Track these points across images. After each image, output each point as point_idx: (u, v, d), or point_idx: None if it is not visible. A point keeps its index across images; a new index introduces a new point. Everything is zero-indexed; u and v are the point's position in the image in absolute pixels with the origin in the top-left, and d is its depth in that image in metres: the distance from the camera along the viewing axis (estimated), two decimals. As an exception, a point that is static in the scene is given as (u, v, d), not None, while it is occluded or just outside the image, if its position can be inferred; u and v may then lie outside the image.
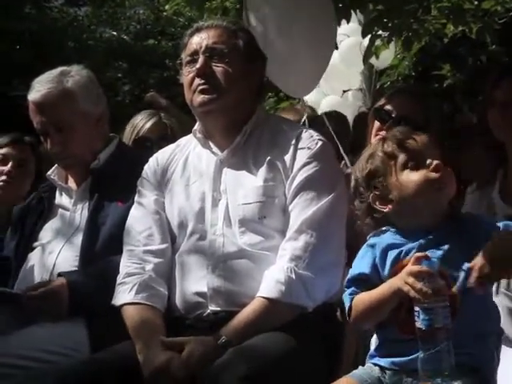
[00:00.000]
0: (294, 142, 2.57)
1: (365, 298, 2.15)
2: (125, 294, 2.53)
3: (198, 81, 2.60)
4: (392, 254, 2.16)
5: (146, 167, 2.78)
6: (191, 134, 2.76)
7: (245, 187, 2.54)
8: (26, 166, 3.81)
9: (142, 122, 4.00)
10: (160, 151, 2.84)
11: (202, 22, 2.73)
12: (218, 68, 2.60)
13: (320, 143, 2.58)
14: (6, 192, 3.74)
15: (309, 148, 2.55)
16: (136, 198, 2.74)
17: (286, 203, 2.50)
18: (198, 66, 2.61)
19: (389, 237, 2.21)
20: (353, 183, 2.30)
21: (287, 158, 2.54)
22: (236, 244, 2.47)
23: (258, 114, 2.67)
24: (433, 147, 2.21)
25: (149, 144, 3.74)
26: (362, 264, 2.21)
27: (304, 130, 2.64)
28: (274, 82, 4.90)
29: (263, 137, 2.63)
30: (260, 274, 2.42)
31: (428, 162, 2.15)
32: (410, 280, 2.00)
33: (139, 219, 2.67)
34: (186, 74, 2.65)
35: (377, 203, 2.21)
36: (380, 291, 2.11)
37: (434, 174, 2.14)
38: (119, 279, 2.58)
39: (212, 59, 2.61)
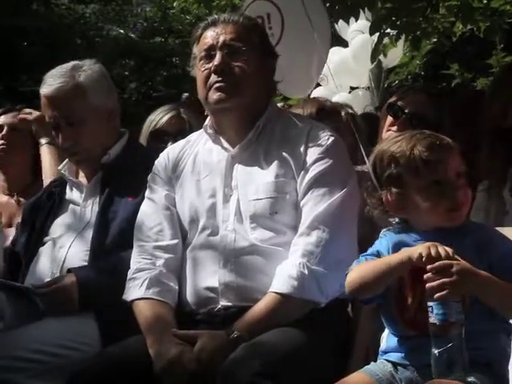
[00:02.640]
0: (305, 137, 2.57)
1: (368, 263, 2.15)
2: (136, 290, 2.53)
3: (214, 77, 2.58)
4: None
5: (156, 163, 2.77)
6: (202, 130, 2.76)
7: (256, 183, 2.54)
8: (21, 130, 3.79)
9: (159, 116, 3.99)
10: (170, 147, 2.84)
11: (217, 16, 2.70)
12: (236, 65, 2.58)
13: (332, 139, 2.57)
14: (5, 156, 3.77)
15: (320, 144, 2.55)
16: (147, 193, 2.73)
17: (297, 199, 2.50)
18: (215, 62, 2.58)
19: (400, 233, 2.20)
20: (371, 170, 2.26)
21: (299, 153, 2.54)
22: (247, 239, 2.47)
23: (270, 109, 2.67)
24: (457, 158, 2.17)
25: (166, 138, 3.73)
26: (380, 244, 2.21)
27: (315, 126, 2.64)
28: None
29: (275, 132, 2.63)
30: (271, 270, 2.42)
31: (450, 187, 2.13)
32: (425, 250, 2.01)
33: (150, 215, 2.67)
34: (202, 70, 2.63)
35: (390, 207, 2.20)
36: (386, 259, 2.11)
37: (453, 214, 2.13)
38: (130, 274, 2.58)
39: (229, 56, 2.59)
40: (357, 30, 6.66)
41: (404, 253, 2.07)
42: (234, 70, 2.58)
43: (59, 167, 3.11)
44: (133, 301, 2.52)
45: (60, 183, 3.11)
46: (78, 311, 2.69)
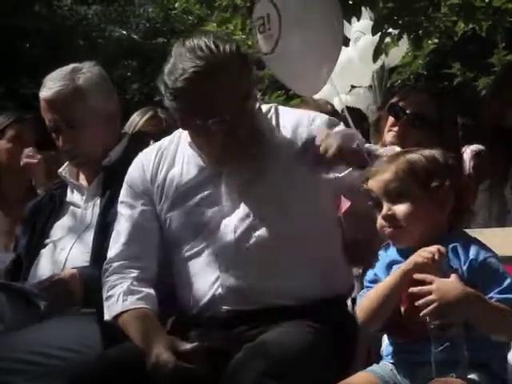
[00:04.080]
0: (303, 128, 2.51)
1: (371, 292, 2.14)
2: (113, 306, 2.49)
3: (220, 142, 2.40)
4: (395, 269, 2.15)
5: (129, 174, 2.64)
6: (174, 133, 2.63)
7: (260, 178, 2.47)
8: (23, 139, 3.84)
9: (138, 118, 4.03)
10: (141, 155, 2.67)
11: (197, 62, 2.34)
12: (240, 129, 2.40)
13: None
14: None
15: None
16: (119, 207, 2.63)
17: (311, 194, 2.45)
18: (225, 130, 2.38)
19: (389, 251, 2.21)
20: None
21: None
22: (249, 243, 2.43)
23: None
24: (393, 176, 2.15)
25: (147, 138, 3.74)
26: (376, 267, 2.21)
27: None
28: (282, 81, 4.91)
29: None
30: (273, 272, 2.40)
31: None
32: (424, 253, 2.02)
33: (120, 233, 2.59)
34: (196, 126, 2.41)
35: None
36: (385, 284, 2.10)
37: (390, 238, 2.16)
38: (104, 294, 2.54)
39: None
40: (358, 31, 6.66)
41: (396, 273, 2.08)
42: (240, 133, 2.39)
43: (59, 170, 3.11)
44: (115, 317, 2.48)
45: (61, 185, 3.10)
46: (82, 307, 2.70)
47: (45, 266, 2.89)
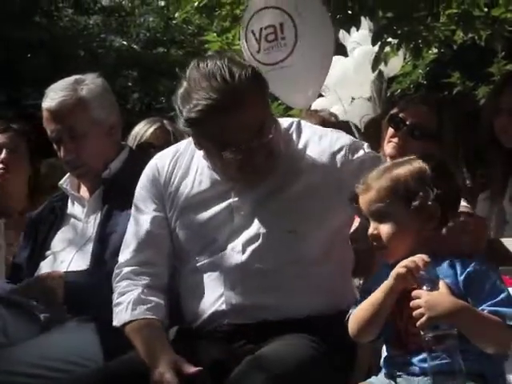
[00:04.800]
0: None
1: (361, 306, 2.14)
2: (122, 314, 2.48)
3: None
4: None
5: (143, 177, 2.61)
6: (190, 139, 2.56)
7: (271, 199, 2.45)
8: (19, 152, 3.79)
9: (144, 128, 4.02)
10: (157, 158, 2.63)
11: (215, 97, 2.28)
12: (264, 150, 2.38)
13: None
14: (5, 180, 3.76)
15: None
16: (132, 211, 2.61)
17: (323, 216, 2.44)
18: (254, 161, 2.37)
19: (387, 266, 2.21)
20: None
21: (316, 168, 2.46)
22: (256, 264, 2.41)
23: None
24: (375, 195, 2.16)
25: (152, 150, 3.76)
26: (374, 278, 2.22)
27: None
28: (275, 93, 4.89)
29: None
30: (280, 289, 2.39)
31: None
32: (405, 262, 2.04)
33: (132, 237, 2.58)
34: (223, 158, 2.36)
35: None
36: (373, 296, 2.10)
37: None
38: (114, 300, 2.53)
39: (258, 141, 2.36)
40: (354, 41, 6.68)
41: (382, 287, 2.08)
42: (255, 158, 2.37)
43: (60, 182, 3.11)
44: (122, 325, 2.48)
45: (61, 197, 3.11)
46: (62, 305, 2.71)
47: (45, 278, 2.90)
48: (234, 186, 2.47)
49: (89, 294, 2.70)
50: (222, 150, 2.34)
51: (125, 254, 2.57)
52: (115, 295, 2.54)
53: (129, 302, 2.48)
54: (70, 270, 2.85)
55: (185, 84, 2.36)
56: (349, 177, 2.36)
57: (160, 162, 2.61)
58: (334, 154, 2.47)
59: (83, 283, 2.74)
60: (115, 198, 2.91)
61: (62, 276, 2.76)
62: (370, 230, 2.15)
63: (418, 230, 2.11)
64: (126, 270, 2.55)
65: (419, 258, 2.03)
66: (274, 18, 4.69)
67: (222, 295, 2.43)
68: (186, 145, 2.61)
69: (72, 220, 3.02)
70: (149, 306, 2.47)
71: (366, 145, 2.54)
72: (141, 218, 2.57)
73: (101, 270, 2.77)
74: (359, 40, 6.67)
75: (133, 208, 2.62)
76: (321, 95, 6.31)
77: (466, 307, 2.00)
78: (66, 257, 2.89)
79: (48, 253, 2.97)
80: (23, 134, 3.81)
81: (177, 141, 3.73)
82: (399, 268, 2.05)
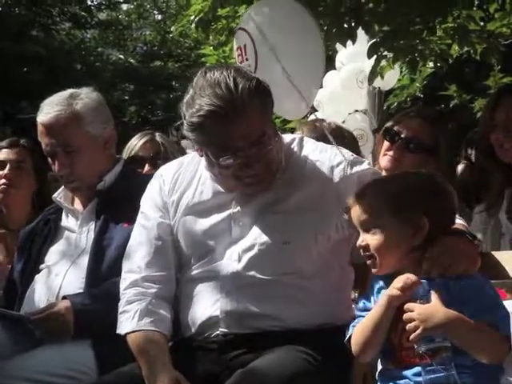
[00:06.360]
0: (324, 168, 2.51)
1: (362, 325, 2.16)
2: (128, 323, 2.48)
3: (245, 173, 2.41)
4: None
5: (150, 186, 2.67)
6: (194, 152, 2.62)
7: (268, 211, 2.46)
8: (24, 168, 3.80)
9: (134, 142, 4.10)
10: (163, 169, 2.70)
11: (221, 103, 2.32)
12: (265, 155, 2.40)
13: None
14: (8, 195, 3.76)
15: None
16: (138, 218, 2.65)
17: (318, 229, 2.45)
18: (253, 171, 2.40)
19: (379, 277, 2.23)
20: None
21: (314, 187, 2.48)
22: (253, 269, 2.42)
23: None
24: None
25: (142, 162, 3.78)
26: (370, 291, 2.23)
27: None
28: None
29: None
30: (275, 298, 2.39)
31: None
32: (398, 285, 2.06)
33: (140, 244, 2.59)
34: (224, 165, 2.39)
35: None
36: (373, 313, 2.13)
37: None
38: (120, 307, 2.52)
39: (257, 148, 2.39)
40: (339, 61, 6.75)
41: (377, 309, 2.11)
42: (254, 167, 2.40)
43: (54, 195, 3.11)
44: (126, 334, 2.47)
45: (55, 210, 3.10)
46: (73, 337, 2.67)
47: (40, 291, 2.88)
48: (234, 197, 2.49)
49: (95, 317, 2.67)
50: (220, 156, 2.36)
51: (132, 261, 2.58)
52: (122, 302, 2.53)
53: (136, 312, 2.48)
54: (64, 283, 2.83)
55: (191, 91, 2.41)
56: (347, 191, 2.37)
57: (165, 172, 2.66)
58: (332, 168, 2.49)
59: (90, 310, 2.69)
60: (109, 210, 2.90)
61: (69, 309, 2.70)
62: (359, 241, 2.20)
63: (406, 240, 2.14)
64: (135, 276, 2.54)
65: (407, 279, 2.06)
66: (240, 39, 4.72)
67: (217, 301, 2.43)
68: (192, 157, 2.66)
69: (66, 233, 3.01)
70: (155, 317, 2.47)
71: (366, 161, 2.57)
72: (148, 225, 2.60)
73: (96, 287, 2.76)
74: (343, 60, 6.72)
75: (139, 216, 2.64)
76: (315, 110, 6.32)
77: (459, 318, 2.01)
78: (61, 270, 2.88)
79: (42, 266, 2.96)
80: (30, 150, 3.81)
81: (167, 153, 3.77)
82: (391, 290, 2.07)
